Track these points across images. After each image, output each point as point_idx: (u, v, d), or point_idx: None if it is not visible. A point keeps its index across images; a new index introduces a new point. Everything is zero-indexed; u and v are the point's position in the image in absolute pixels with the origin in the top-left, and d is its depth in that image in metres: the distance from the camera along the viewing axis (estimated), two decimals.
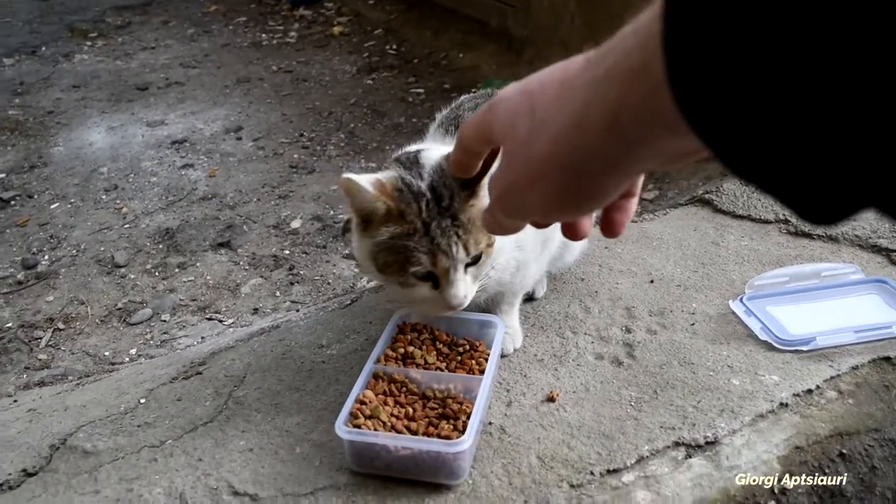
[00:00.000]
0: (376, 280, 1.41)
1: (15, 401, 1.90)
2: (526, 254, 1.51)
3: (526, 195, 0.65)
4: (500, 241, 1.35)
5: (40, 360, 2.23)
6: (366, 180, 1.24)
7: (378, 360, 1.46)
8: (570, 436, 1.37)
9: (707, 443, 1.33)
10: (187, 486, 1.32)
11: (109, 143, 4.05)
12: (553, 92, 0.60)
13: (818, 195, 0.41)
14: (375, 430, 1.29)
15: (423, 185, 1.28)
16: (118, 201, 3.33)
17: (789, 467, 1.30)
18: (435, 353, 1.51)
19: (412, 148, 1.48)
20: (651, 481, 1.27)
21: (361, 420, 1.30)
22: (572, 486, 1.27)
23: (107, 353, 2.22)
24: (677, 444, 1.33)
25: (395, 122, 3.93)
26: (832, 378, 1.46)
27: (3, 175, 3.75)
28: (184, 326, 2.31)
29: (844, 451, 1.34)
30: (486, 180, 1.28)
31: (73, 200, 3.40)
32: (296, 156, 3.63)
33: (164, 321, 2.37)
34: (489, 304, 1.61)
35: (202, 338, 2.22)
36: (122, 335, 2.32)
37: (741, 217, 2.14)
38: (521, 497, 1.25)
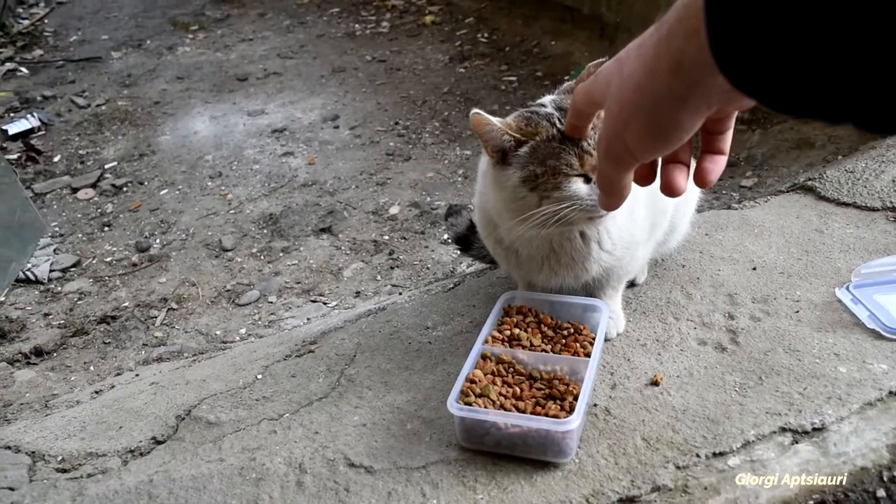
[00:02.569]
0: (517, 218, 1.45)
1: (137, 375, 2.04)
2: (637, 232, 1.54)
3: (624, 136, 0.81)
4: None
5: (157, 337, 2.37)
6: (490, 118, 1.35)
7: (486, 342, 1.51)
8: (674, 419, 1.40)
9: (814, 429, 1.33)
10: (306, 457, 1.40)
11: (213, 132, 4.23)
12: (634, 53, 0.79)
13: (800, 103, 0.60)
14: (485, 408, 1.34)
15: (550, 108, 1.39)
16: (223, 188, 3.48)
17: None
18: (540, 335, 1.56)
19: None
20: (757, 465, 1.29)
21: (472, 398, 1.36)
22: (678, 467, 1.29)
23: (218, 332, 2.35)
24: (783, 430, 1.34)
25: (488, 110, 3.90)
26: None
27: (115, 163, 3.97)
28: (290, 308, 2.42)
29: None
30: None
31: (180, 187, 3.58)
32: (392, 144, 3.71)
33: (271, 302, 2.48)
34: (594, 287, 1.64)
35: (308, 318, 2.32)
36: (232, 315, 2.44)
37: (846, 204, 2.09)
38: (628, 476, 1.28)
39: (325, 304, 2.42)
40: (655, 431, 1.37)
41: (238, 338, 2.30)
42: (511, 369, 1.46)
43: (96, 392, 2.00)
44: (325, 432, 1.47)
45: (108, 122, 4.51)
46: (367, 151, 3.67)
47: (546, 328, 1.57)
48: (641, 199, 1.52)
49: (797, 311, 1.65)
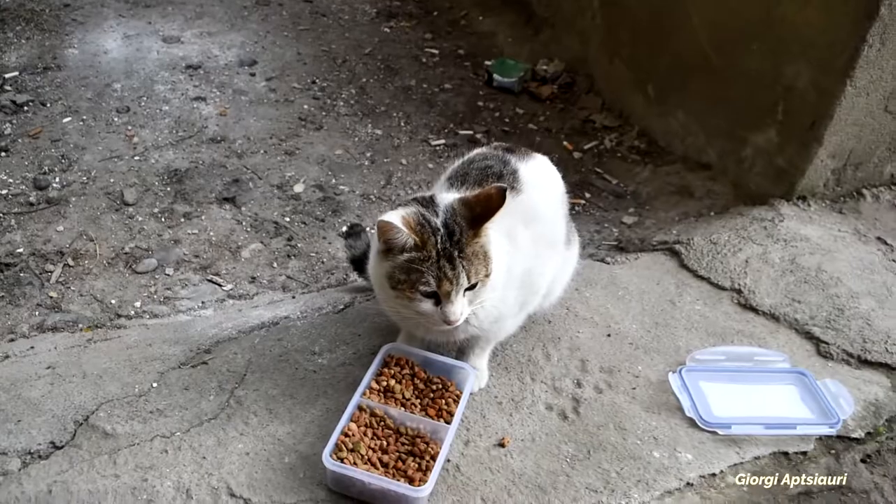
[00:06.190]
0: (386, 299, 1.68)
1: (32, 347, 2.12)
2: (506, 309, 1.76)
3: None
4: (491, 283, 1.62)
5: (51, 297, 2.43)
6: (400, 221, 1.52)
7: (364, 394, 1.71)
8: (511, 483, 1.65)
9: None
10: (193, 483, 1.58)
11: (124, 54, 4.13)
12: None
13: None
14: (355, 463, 1.55)
15: (438, 222, 1.57)
16: (129, 127, 3.46)
17: None
18: (412, 387, 1.77)
19: (427, 194, 1.72)
20: None
21: (345, 453, 1.56)
22: None
23: (113, 301, 2.43)
24: None
25: (405, 84, 4.04)
26: (735, 465, 1.74)
27: (17, 73, 3.84)
28: (186, 285, 2.52)
29: None
30: (488, 223, 1.54)
31: (85, 117, 3.52)
32: (306, 106, 3.75)
33: (168, 275, 2.57)
34: (465, 345, 1.86)
35: (203, 302, 2.44)
36: (128, 283, 2.52)
37: (701, 278, 2.38)
38: None
39: (220, 286, 2.53)
40: (493, 493, 1.62)
41: (133, 311, 2.40)
42: (382, 423, 1.67)
43: None
44: (211, 458, 1.64)
45: (11, 20, 4.31)
46: (281, 111, 3.70)
47: (419, 381, 1.79)
48: (515, 282, 1.73)
49: (634, 388, 1.93)
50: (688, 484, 1.69)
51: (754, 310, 2.25)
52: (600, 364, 2.00)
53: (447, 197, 1.66)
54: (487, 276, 1.58)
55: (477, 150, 1.95)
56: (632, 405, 1.88)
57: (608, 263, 2.45)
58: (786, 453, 1.78)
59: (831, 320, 2.19)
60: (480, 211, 1.57)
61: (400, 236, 1.52)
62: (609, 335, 2.10)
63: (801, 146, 2.71)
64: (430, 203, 1.62)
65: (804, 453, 1.79)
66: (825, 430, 1.82)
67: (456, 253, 1.54)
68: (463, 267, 1.54)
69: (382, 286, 1.64)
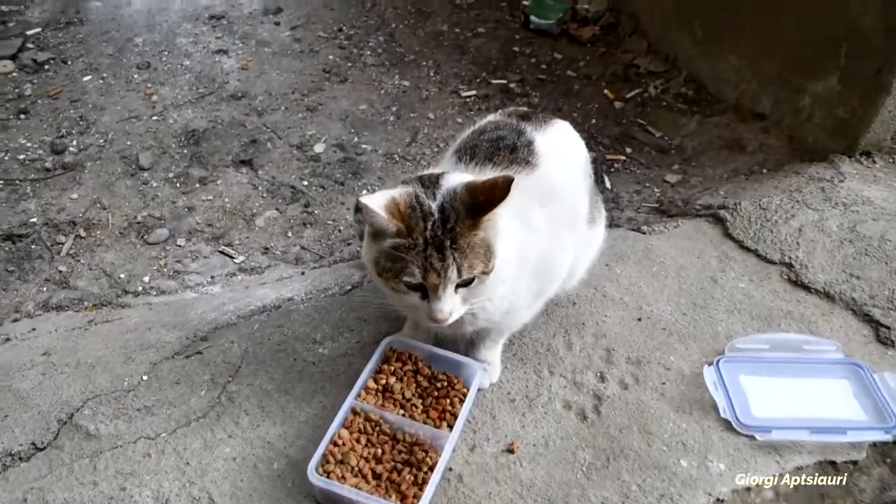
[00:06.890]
0: (376, 283, 1.52)
1: (33, 329, 2.05)
2: (518, 300, 1.58)
3: None
4: (496, 278, 1.42)
5: (60, 272, 2.35)
6: (380, 204, 1.34)
7: (359, 394, 1.57)
8: (518, 496, 1.50)
9: None
10: (173, 493, 1.47)
11: (147, 5, 4.00)
12: None
13: None
14: (343, 476, 1.42)
15: (434, 206, 1.38)
16: (149, 85, 3.33)
17: None
18: (415, 385, 1.62)
19: (436, 171, 1.54)
20: None
21: (332, 466, 1.43)
22: None
23: (122, 276, 2.33)
24: None
25: (437, 30, 3.80)
26: (775, 476, 1.55)
27: (39, 29, 3.74)
28: (196, 257, 2.41)
29: None
30: (490, 214, 1.35)
31: (105, 75, 3.41)
32: (331, 57, 3.56)
33: (180, 246, 2.46)
34: (475, 337, 1.69)
35: (212, 276, 2.32)
36: (139, 255, 2.42)
37: (748, 250, 2.15)
38: None
39: (231, 258, 2.41)
40: None
41: (140, 287, 2.30)
42: (377, 428, 1.53)
43: None
44: (195, 463, 1.53)
45: None
46: (305, 62, 3.52)
47: (422, 378, 1.64)
48: (528, 269, 1.54)
49: (664, 383, 1.74)
50: (718, 500, 1.51)
51: (806, 287, 2.01)
52: (628, 354, 1.81)
53: (455, 178, 1.45)
54: (486, 272, 1.39)
55: (489, 118, 1.74)
56: (660, 403, 1.70)
57: (644, 233, 2.24)
58: (833, 462, 1.58)
59: (894, 300, 1.95)
60: (483, 199, 1.37)
61: (379, 221, 1.35)
62: (640, 319, 1.91)
63: (866, 95, 2.41)
64: (433, 183, 1.43)
65: (854, 462, 1.58)
66: (880, 436, 1.60)
67: (448, 242, 1.35)
68: (454, 259, 1.35)
69: (371, 271, 1.47)
